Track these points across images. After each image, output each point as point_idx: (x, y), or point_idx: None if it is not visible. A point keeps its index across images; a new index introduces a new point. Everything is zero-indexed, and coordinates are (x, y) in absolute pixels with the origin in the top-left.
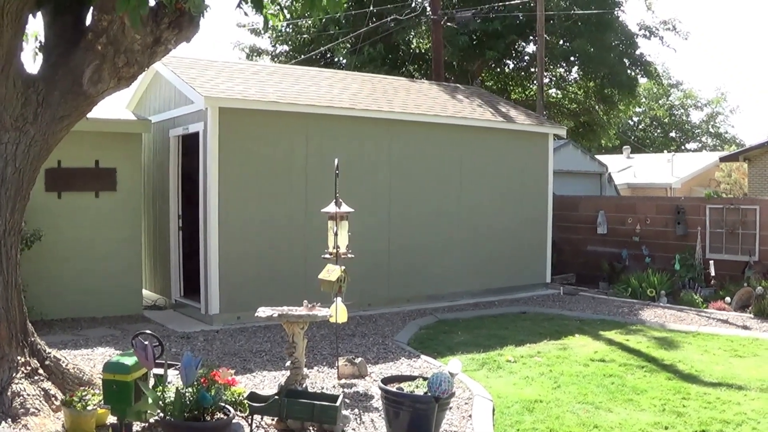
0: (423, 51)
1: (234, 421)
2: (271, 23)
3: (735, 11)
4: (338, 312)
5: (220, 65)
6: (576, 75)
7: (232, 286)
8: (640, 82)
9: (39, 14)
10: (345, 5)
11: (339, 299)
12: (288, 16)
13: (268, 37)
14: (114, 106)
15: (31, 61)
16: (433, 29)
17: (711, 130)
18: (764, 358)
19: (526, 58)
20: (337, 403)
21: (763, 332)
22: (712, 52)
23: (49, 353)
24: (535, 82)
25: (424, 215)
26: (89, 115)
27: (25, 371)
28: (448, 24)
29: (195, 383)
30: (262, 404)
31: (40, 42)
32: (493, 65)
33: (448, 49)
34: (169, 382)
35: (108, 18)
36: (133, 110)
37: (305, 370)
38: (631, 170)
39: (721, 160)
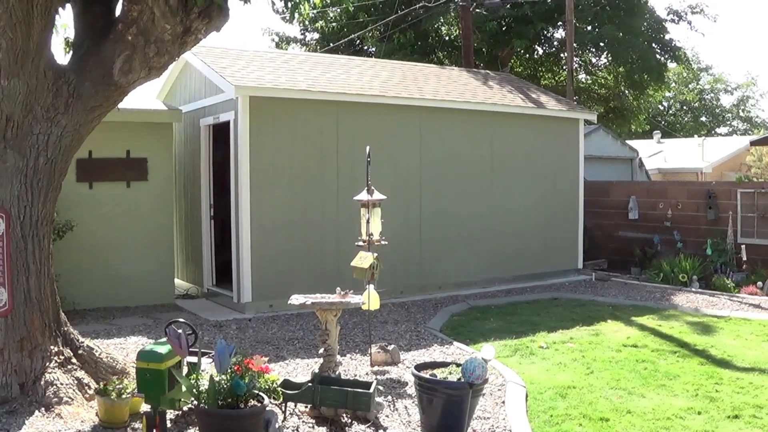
0: (452, 38)
1: (268, 408)
2: (298, 12)
3: None
4: (371, 299)
5: (250, 54)
6: (605, 60)
7: (265, 275)
8: (669, 67)
9: (68, 6)
10: None
11: (371, 286)
12: (317, 2)
13: (298, 24)
14: (144, 96)
15: (62, 53)
16: (462, 16)
17: (741, 114)
18: None
19: (555, 43)
20: (371, 390)
21: None
22: (741, 36)
23: (82, 342)
24: (564, 67)
25: (455, 202)
26: (120, 105)
27: (58, 360)
28: (477, 10)
29: (229, 371)
30: (296, 391)
31: (66, 38)
32: (522, 51)
33: (477, 36)
34: (202, 370)
35: (138, 8)
36: (164, 100)
37: (338, 358)
38: (661, 155)
39: (751, 144)
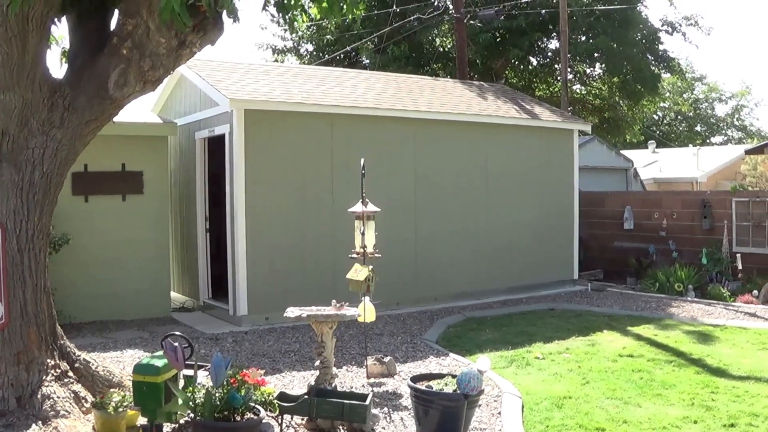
0: (447, 50)
1: (264, 420)
2: (296, 25)
3: (757, 2)
4: (366, 311)
5: (245, 67)
6: (600, 71)
7: (260, 287)
8: (664, 77)
9: (63, 19)
10: (363, 7)
11: (367, 298)
12: (315, 14)
13: (291, 39)
14: (140, 110)
15: (59, 64)
16: (456, 28)
17: (736, 123)
18: None
19: (550, 54)
20: (367, 402)
21: None
22: (735, 44)
23: (79, 356)
24: (559, 78)
25: (450, 213)
26: (115, 119)
27: (54, 374)
28: (471, 22)
29: (225, 384)
30: (292, 404)
31: (64, 49)
32: (516, 63)
33: (471, 47)
34: (198, 383)
35: (133, 22)
36: (159, 113)
37: (334, 370)
38: (656, 165)
39: (746, 152)
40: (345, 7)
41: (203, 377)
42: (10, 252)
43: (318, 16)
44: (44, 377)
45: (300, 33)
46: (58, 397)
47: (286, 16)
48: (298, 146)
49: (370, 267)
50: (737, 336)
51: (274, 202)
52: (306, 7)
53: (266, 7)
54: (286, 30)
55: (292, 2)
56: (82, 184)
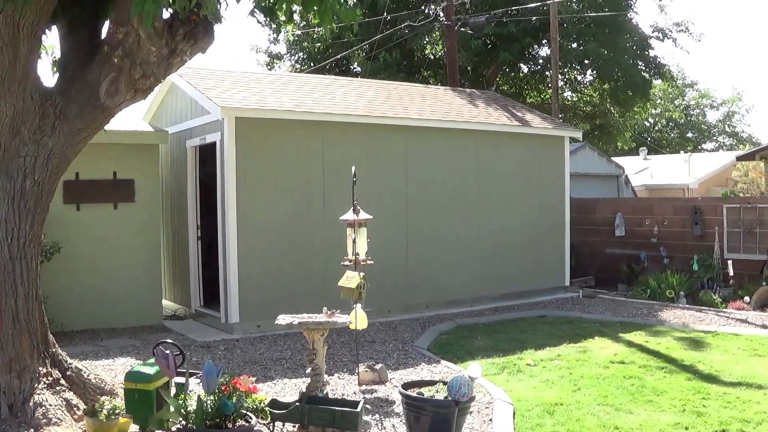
0: (437, 57)
1: (255, 428)
2: (285, 31)
3: (748, 9)
4: (358, 319)
5: (236, 75)
6: (590, 78)
7: (252, 295)
8: (655, 84)
9: (54, 28)
10: (360, 14)
11: (359, 306)
12: (302, 23)
13: (285, 43)
14: (131, 118)
15: (50, 74)
16: (447, 35)
17: (727, 129)
18: None
19: (540, 61)
20: (358, 409)
21: None
22: (726, 51)
23: (71, 364)
24: (549, 85)
25: (441, 221)
26: (106, 127)
27: (46, 382)
28: (462, 29)
29: (216, 391)
30: (284, 411)
31: (54, 58)
32: (507, 69)
33: (462, 54)
34: (190, 391)
35: (123, 30)
36: (150, 121)
37: (326, 377)
38: (648, 171)
39: (737, 159)
40: (340, 15)
41: (195, 385)
42: (1, 260)
43: (304, 22)
44: (36, 385)
45: (291, 40)
46: (50, 405)
47: (275, 22)
48: (290, 154)
49: (362, 274)
50: (729, 342)
51: (265, 210)
52: (297, 12)
53: (254, 13)
54: (277, 37)
55: (283, 7)
56: (73, 192)
